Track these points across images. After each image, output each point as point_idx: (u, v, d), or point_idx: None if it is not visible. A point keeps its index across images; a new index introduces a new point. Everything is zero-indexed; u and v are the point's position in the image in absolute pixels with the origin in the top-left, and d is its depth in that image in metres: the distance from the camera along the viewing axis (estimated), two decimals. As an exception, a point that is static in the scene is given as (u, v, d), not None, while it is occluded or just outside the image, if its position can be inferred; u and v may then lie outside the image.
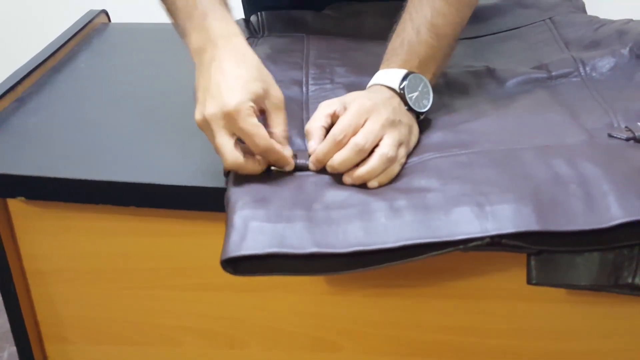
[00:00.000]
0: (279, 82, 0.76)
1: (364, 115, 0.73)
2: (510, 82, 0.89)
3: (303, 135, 0.78)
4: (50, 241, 0.83)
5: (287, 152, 0.75)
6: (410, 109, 0.78)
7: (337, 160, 0.72)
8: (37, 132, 0.87)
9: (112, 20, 1.25)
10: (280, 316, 0.82)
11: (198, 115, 0.73)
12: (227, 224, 0.69)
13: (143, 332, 0.86)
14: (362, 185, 0.73)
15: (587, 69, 0.90)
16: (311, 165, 0.75)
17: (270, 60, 0.95)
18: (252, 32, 1.07)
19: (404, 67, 0.79)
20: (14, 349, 0.87)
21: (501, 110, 0.84)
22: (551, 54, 0.95)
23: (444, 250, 0.67)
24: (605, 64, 0.90)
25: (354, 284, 0.78)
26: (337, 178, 0.74)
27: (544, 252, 0.70)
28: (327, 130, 0.74)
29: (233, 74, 0.72)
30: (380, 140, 0.73)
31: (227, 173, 0.76)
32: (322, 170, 0.75)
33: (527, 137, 0.77)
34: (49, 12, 2.18)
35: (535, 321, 0.78)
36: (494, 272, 0.76)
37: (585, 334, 0.78)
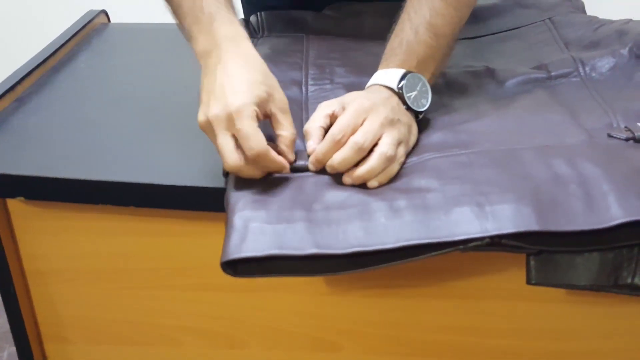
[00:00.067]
0: (278, 82, 0.76)
1: (363, 114, 0.73)
2: (510, 82, 0.89)
3: (302, 136, 0.78)
4: (50, 241, 0.83)
5: (291, 155, 0.74)
6: (409, 109, 0.78)
7: (337, 159, 0.72)
8: (37, 132, 0.87)
9: (112, 20, 1.25)
10: (280, 316, 0.82)
11: (201, 117, 0.72)
12: (227, 224, 0.69)
13: (143, 332, 0.86)
14: (362, 186, 0.73)
15: (587, 69, 0.90)
16: (310, 166, 0.75)
17: (269, 60, 0.94)
18: (252, 32, 1.07)
19: (402, 67, 0.79)
20: (14, 349, 0.87)
21: (501, 111, 0.84)
22: (551, 54, 0.95)
23: (444, 251, 0.67)
24: (604, 64, 0.90)
25: (354, 284, 0.78)
26: (337, 178, 0.74)
27: (544, 252, 0.70)
28: (326, 130, 0.74)
29: (238, 77, 0.72)
30: (379, 139, 0.73)
31: (225, 174, 0.76)
32: (321, 170, 0.74)
33: (527, 137, 0.77)
34: (49, 12, 2.18)
35: (535, 321, 0.78)
36: (494, 272, 0.75)
37: (585, 334, 0.78)
